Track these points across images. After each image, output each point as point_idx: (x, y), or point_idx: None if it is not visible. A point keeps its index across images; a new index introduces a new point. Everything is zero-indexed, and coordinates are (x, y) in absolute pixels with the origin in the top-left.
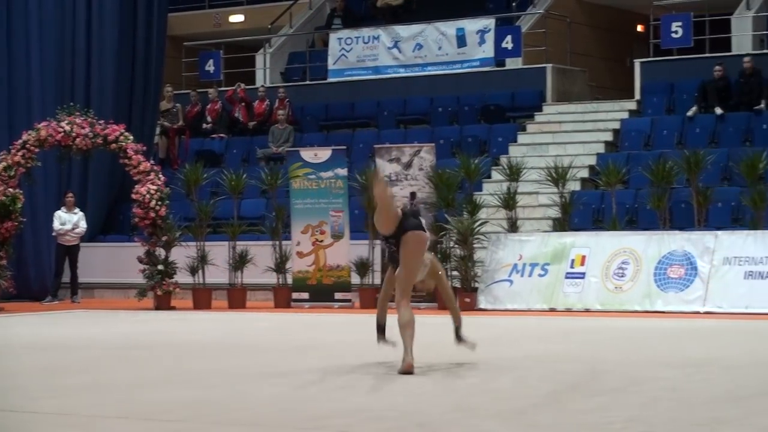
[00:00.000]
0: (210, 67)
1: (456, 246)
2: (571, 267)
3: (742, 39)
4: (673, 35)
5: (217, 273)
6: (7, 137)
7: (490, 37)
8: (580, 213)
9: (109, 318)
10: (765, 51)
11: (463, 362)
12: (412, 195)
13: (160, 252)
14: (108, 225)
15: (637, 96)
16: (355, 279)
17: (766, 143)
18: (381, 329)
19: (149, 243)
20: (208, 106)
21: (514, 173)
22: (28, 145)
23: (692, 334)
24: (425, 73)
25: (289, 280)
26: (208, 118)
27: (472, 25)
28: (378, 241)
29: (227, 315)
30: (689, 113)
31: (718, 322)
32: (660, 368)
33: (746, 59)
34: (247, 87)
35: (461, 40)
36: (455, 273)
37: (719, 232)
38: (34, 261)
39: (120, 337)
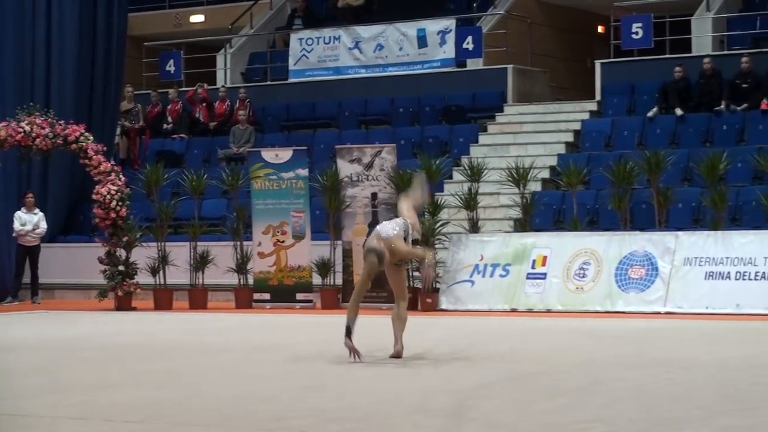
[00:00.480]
0: (170, 67)
1: (417, 247)
2: (533, 267)
3: (702, 40)
4: (634, 36)
5: (178, 274)
6: None
7: (450, 37)
8: (541, 213)
9: (70, 319)
10: (725, 52)
11: (424, 363)
12: (374, 196)
13: (121, 253)
14: (68, 225)
15: (598, 97)
16: (316, 279)
17: (726, 144)
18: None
19: (110, 243)
20: (169, 107)
21: (475, 174)
22: None
23: (653, 335)
24: (386, 73)
25: (251, 281)
26: (169, 119)
27: (432, 26)
28: (339, 242)
29: (188, 316)
30: (650, 114)
31: (679, 323)
32: (621, 369)
33: (706, 60)
34: (208, 87)
35: (422, 41)
36: (417, 273)
37: (680, 233)
38: None
39: (80, 338)
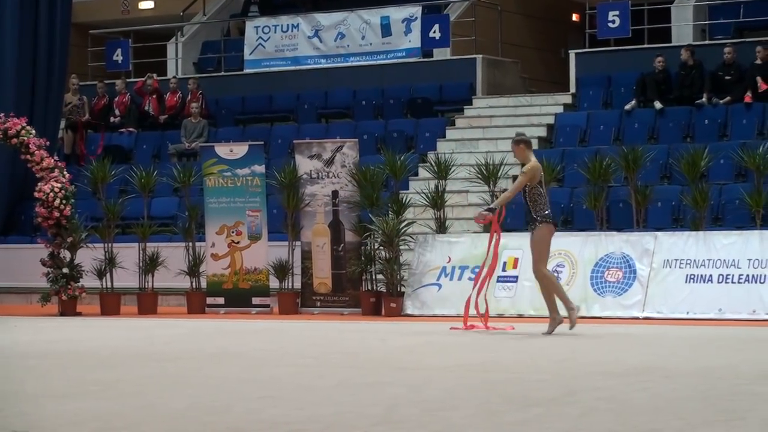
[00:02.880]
0: (118, 56)
1: (381, 248)
2: (503, 270)
3: (682, 29)
4: (610, 25)
5: (126, 276)
6: None
7: (416, 25)
8: (513, 213)
9: (10, 325)
10: (706, 42)
11: (389, 371)
12: (334, 194)
13: (65, 254)
14: (9, 225)
15: (572, 89)
16: (273, 283)
17: (708, 139)
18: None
19: (53, 244)
20: (117, 99)
21: (442, 170)
22: None
23: (631, 341)
24: (348, 63)
25: (204, 284)
26: (117, 112)
27: (397, 13)
28: (298, 243)
29: (137, 321)
30: (627, 107)
31: (658, 328)
32: (597, 377)
33: (685, 50)
34: (158, 78)
35: (386, 29)
36: (380, 276)
37: (659, 233)
38: None
39: (23, 346)
